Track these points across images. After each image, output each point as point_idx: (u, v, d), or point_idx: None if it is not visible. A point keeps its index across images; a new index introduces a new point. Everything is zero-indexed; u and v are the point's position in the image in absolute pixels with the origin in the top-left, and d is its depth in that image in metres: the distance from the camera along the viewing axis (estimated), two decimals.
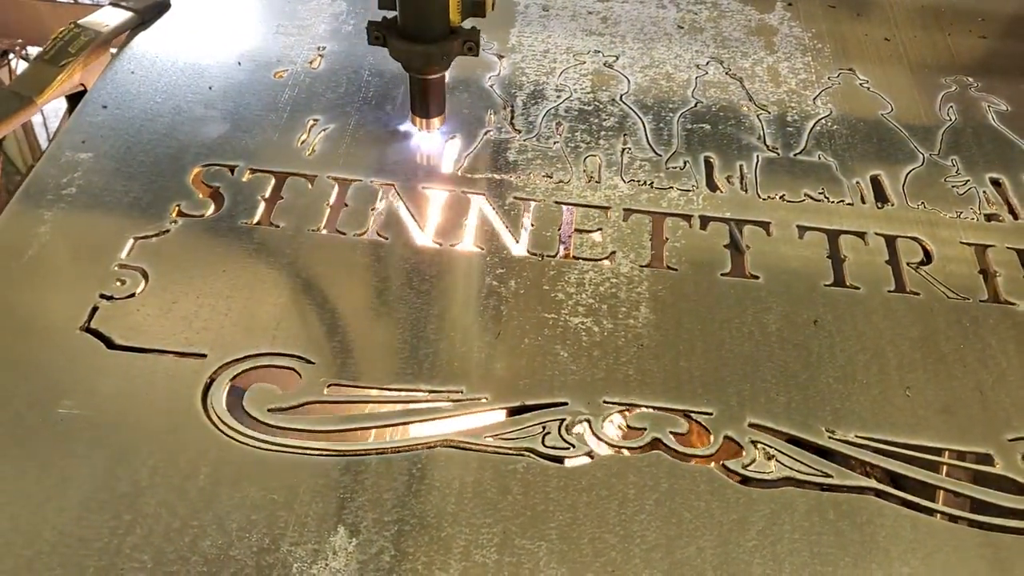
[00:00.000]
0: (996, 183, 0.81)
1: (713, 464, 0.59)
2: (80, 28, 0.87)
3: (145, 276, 0.67)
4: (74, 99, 0.88)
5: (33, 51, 1.66)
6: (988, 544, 0.55)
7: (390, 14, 0.72)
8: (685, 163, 0.80)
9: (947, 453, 0.61)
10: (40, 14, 1.11)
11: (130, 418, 0.58)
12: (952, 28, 1.01)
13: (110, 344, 0.62)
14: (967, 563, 0.54)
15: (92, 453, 0.56)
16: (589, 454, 0.58)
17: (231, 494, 0.55)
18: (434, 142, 0.79)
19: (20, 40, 1.44)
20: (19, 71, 1.60)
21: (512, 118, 0.84)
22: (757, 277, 0.71)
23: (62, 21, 0.94)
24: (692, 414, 0.61)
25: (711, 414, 0.61)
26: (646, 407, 0.61)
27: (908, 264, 0.73)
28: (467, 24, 0.73)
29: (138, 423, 0.58)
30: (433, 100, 0.77)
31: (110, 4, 0.92)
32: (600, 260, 0.71)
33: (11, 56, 1.53)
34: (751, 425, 0.61)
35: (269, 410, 0.59)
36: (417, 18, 0.71)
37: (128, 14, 0.90)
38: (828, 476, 0.58)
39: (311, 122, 0.81)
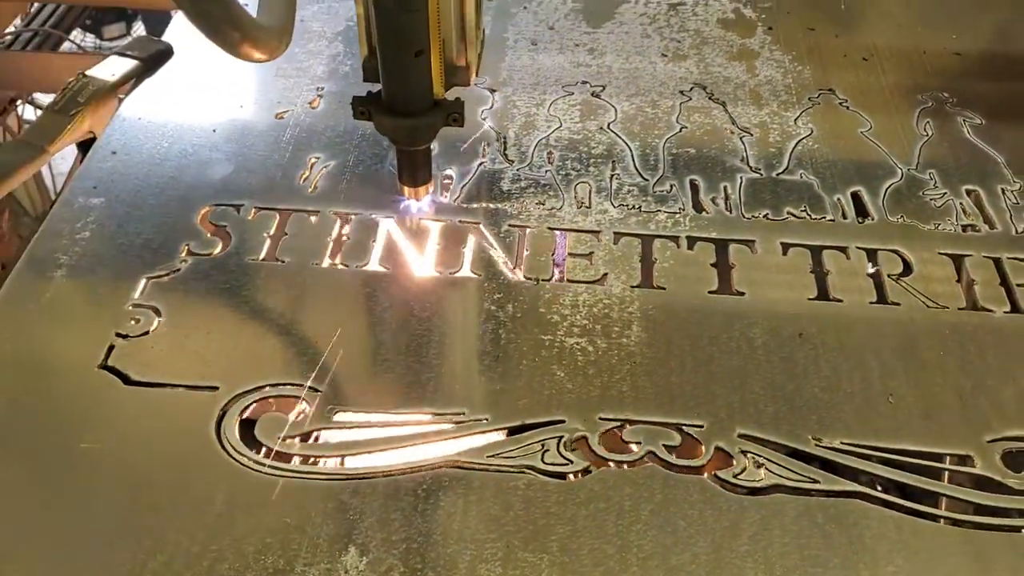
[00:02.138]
0: (972, 195, 0.84)
1: (705, 474, 0.61)
2: (88, 78, 0.90)
3: (158, 314, 0.70)
4: (84, 146, 0.91)
5: (39, 97, 1.71)
6: (969, 541, 0.58)
7: (376, 87, 0.72)
8: (671, 187, 0.83)
9: (931, 456, 0.63)
10: (48, 64, 1.15)
11: (148, 450, 0.61)
12: (928, 46, 1.04)
13: (127, 380, 0.65)
14: (949, 560, 0.57)
15: (113, 485, 0.59)
16: (587, 469, 0.61)
17: (246, 519, 0.58)
18: (423, 206, 0.80)
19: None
20: (25, 116, 1.65)
21: (505, 149, 0.87)
22: (743, 293, 0.74)
23: (70, 70, 0.97)
24: (684, 427, 0.64)
25: (702, 427, 0.64)
26: (640, 422, 0.64)
27: (889, 276, 0.76)
28: (451, 95, 0.73)
29: (156, 454, 0.61)
30: (420, 170, 0.78)
31: (115, 53, 0.95)
32: (593, 282, 0.74)
33: (18, 103, 1.57)
34: (741, 436, 0.63)
35: (280, 438, 0.62)
36: (401, 92, 0.70)
37: (133, 62, 0.94)
38: (816, 482, 0.61)
39: (312, 160, 0.85)
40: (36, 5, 1.62)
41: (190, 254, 0.75)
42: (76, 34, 1.93)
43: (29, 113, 1.71)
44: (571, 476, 0.61)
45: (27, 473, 0.60)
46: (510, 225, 0.79)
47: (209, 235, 0.77)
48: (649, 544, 0.57)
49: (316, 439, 0.63)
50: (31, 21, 1.63)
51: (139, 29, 2.58)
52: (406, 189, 0.79)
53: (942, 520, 0.59)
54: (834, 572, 0.56)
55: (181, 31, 1.00)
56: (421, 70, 0.69)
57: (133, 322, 0.69)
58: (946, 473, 0.63)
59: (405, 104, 0.71)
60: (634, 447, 0.63)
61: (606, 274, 0.75)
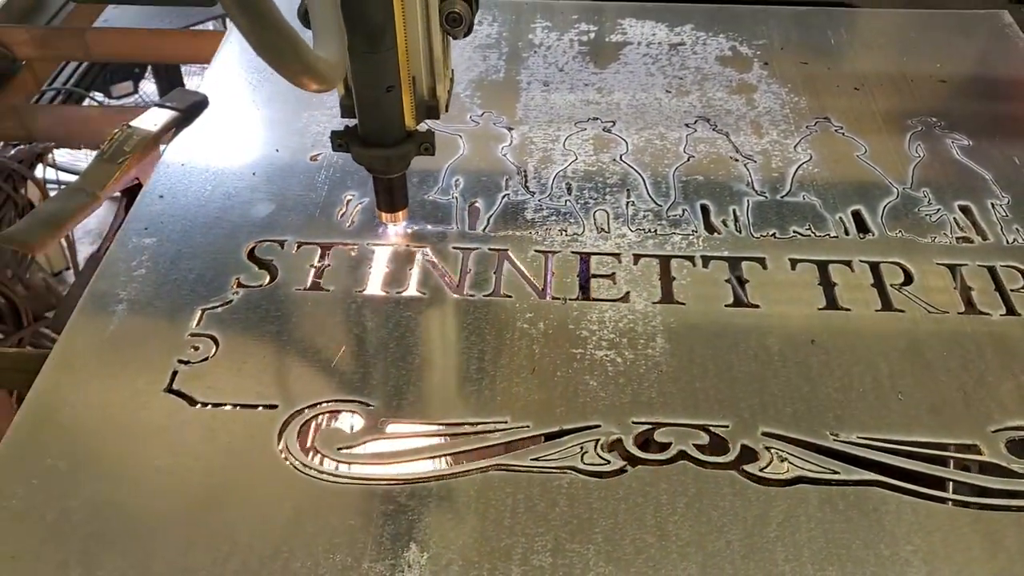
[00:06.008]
0: (964, 209, 0.90)
1: (733, 469, 0.66)
2: (132, 128, 0.97)
3: (216, 342, 0.75)
4: (130, 192, 0.97)
5: (59, 155, 1.78)
6: (980, 520, 0.63)
7: (352, 122, 0.79)
8: (684, 211, 0.89)
9: (941, 447, 0.68)
10: (88, 117, 1.22)
11: (217, 465, 0.66)
12: (915, 75, 1.11)
13: (192, 402, 0.70)
14: (963, 538, 0.62)
15: (188, 497, 0.64)
16: (624, 468, 0.66)
17: (314, 522, 0.62)
18: (400, 229, 0.87)
19: (53, 144, 1.55)
20: (44, 177, 1.71)
21: (526, 181, 0.93)
22: (757, 306, 0.79)
23: (110, 123, 1.04)
24: (711, 428, 0.69)
25: (727, 427, 0.69)
26: (670, 424, 0.69)
27: (892, 285, 0.81)
28: (423, 127, 0.80)
29: (225, 468, 0.66)
30: (397, 196, 0.84)
31: (155, 105, 1.02)
32: (617, 300, 0.80)
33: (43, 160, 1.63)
34: (764, 434, 0.68)
35: (338, 449, 0.67)
36: (375, 125, 0.77)
37: (173, 113, 1.00)
38: (836, 473, 0.66)
39: (348, 197, 0.91)
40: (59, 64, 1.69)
41: (241, 286, 0.80)
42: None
43: (51, 173, 1.77)
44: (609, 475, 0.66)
45: (109, 489, 0.64)
46: (536, 251, 0.85)
47: (257, 268, 0.82)
48: (686, 533, 0.62)
49: (371, 449, 0.68)
50: (53, 80, 1.70)
51: (145, 87, 2.65)
52: (384, 215, 0.86)
53: (954, 503, 0.64)
54: (858, 552, 0.61)
55: (215, 83, 1.07)
56: (393, 104, 0.76)
57: (193, 350, 0.74)
58: (955, 461, 0.68)
59: (379, 136, 0.79)
60: (666, 447, 0.68)
61: (628, 292, 0.81)
